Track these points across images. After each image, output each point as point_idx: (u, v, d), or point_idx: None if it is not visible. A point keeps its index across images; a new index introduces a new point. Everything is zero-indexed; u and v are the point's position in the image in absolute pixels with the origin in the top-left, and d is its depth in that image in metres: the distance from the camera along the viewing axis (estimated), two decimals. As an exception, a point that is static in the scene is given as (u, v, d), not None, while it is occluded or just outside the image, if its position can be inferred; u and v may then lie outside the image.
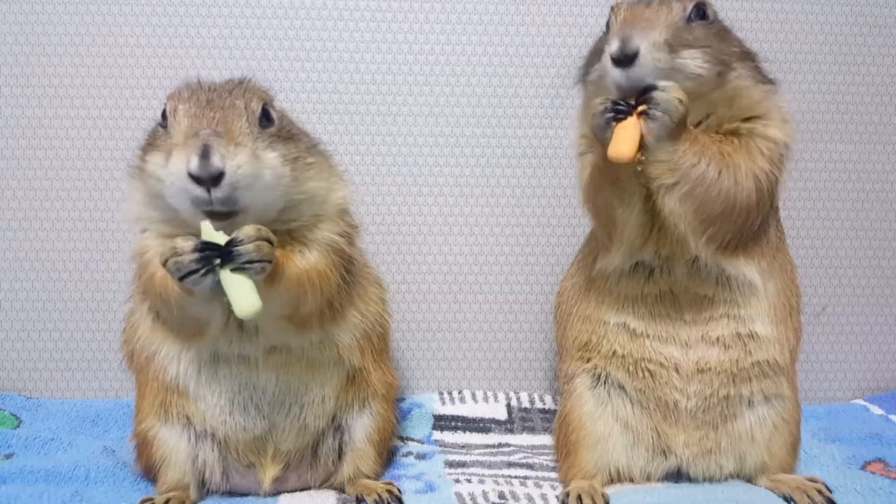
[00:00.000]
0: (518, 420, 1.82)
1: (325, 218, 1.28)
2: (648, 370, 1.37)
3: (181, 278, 1.10)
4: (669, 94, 1.14)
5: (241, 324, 1.26)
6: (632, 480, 1.41)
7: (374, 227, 1.83)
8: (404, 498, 1.38)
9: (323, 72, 1.85)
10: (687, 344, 1.36)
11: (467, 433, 1.78)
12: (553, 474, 1.51)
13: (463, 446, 1.72)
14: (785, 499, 1.34)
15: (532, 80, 1.88)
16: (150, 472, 1.40)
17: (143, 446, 1.38)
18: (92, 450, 1.55)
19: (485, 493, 1.39)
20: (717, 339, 1.35)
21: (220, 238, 1.11)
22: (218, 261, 1.10)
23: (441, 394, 1.89)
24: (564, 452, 1.43)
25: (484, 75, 1.88)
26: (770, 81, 1.32)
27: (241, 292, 1.09)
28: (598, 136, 1.22)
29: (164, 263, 1.11)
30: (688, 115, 1.19)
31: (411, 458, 1.62)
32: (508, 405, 1.87)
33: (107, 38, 1.80)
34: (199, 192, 1.08)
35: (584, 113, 1.37)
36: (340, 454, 1.42)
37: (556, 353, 1.68)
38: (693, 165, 1.20)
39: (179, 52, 1.82)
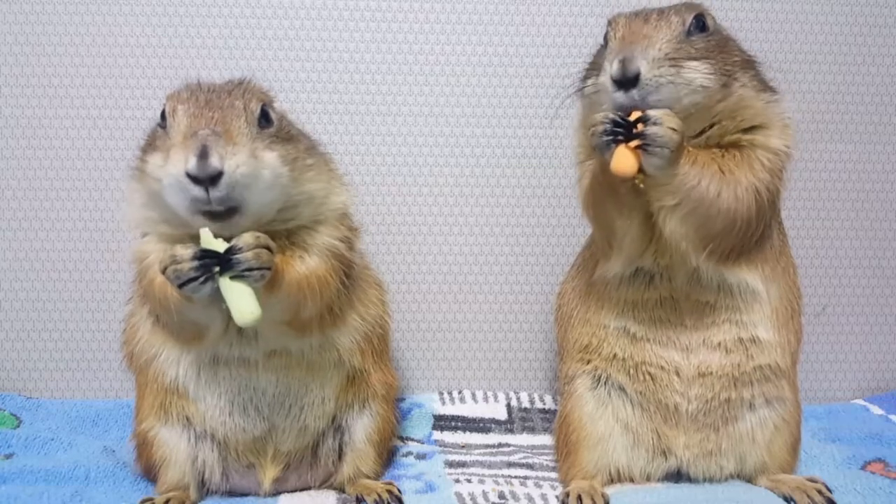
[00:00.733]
0: (518, 420, 1.82)
1: (324, 222, 1.28)
2: (649, 373, 1.37)
3: (180, 286, 1.10)
4: (663, 126, 1.13)
5: (240, 328, 1.26)
6: (632, 481, 1.41)
7: (374, 227, 1.83)
8: (404, 498, 1.38)
9: (323, 72, 1.85)
10: (688, 348, 1.35)
11: (467, 433, 1.78)
12: (553, 474, 1.51)
13: (463, 446, 1.72)
14: (785, 499, 1.34)
15: (532, 80, 1.88)
16: (150, 473, 1.40)
17: (143, 446, 1.38)
18: (92, 450, 1.55)
19: (485, 493, 1.39)
20: (719, 344, 1.34)
21: (220, 245, 1.11)
22: (217, 268, 1.10)
23: (441, 394, 1.89)
24: (565, 452, 1.43)
25: (484, 75, 1.88)
26: (771, 89, 1.31)
27: (241, 300, 1.09)
28: (598, 154, 1.21)
29: (164, 271, 1.11)
30: (684, 138, 1.17)
31: (411, 458, 1.62)
32: (508, 405, 1.87)
33: (107, 38, 1.80)
34: (197, 191, 1.08)
35: (582, 124, 1.36)
36: (340, 454, 1.42)
37: (556, 354, 1.68)
38: (693, 187, 1.19)
39: (179, 52, 1.82)
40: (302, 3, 1.83)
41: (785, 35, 1.92)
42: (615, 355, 1.40)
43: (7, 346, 1.85)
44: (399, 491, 1.39)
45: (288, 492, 1.41)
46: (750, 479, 1.41)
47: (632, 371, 1.39)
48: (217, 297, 1.11)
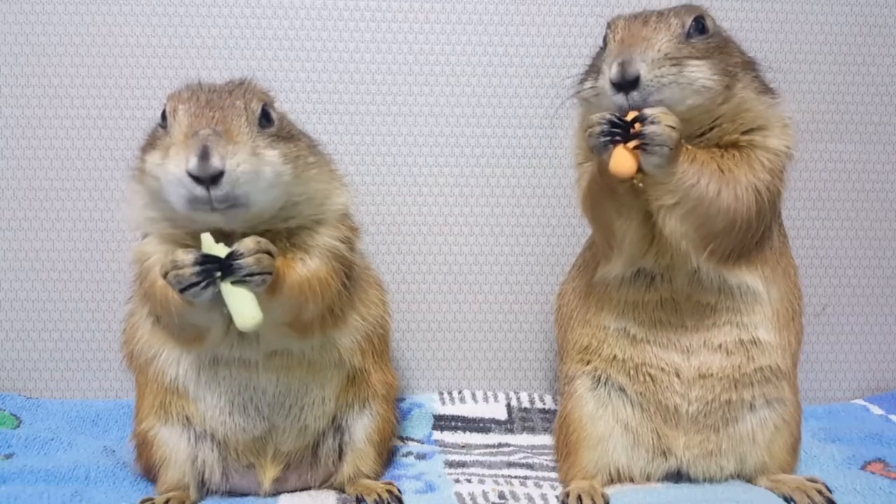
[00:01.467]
0: (518, 420, 1.82)
1: (325, 222, 1.28)
2: (649, 374, 1.37)
3: (182, 290, 1.11)
4: (661, 125, 1.13)
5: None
6: (632, 481, 1.41)
7: (375, 227, 1.83)
8: (404, 498, 1.38)
9: (323, 72, 1.85)
10: (688, 350, 1.35)
11: (467, 433, 1.78)
12: (553, 474, 1.51)
13: (463, 446, 1.72)
14: (785, 499, 1.34)
15: (532, 80, 1.88)
16: (150, 472, 1.40)
17: (143, 446, 1.38)
18: (92, 450, 1.55)
19: (485, 493, 1.39)
20: (720, 345, 1.34)
21: (221, 250, 1.12)
22: (218, 273, 1.10)
23: (441, 394, 1.89)
24: (565, 453, 1.43)
25: (484, 75, 1.88)
26: (772, 91, 1.31)
27: (242, 305, 1.10)
28: (596, 155, 1.21)
29: (165, 276, 1.11)
30: (682, 137, 1.17)
31: (411, 458, 1.62)
32: (508, 405, 1.87)
33: (107, 38, 1.80)
34: (198, 191, 1.08)
35: (581, 127, 1.35)
36: (340, 454, 1.42)
37: (556, 354, 1.68)
38: (693, 185, 1.19)
39: (179, 52, 1.82)
40: (302, 3, 1.83)
41: (785, 35, 1.92)
42: (615, 356, 1.40)
43: (7, 346, 1.85)
44: (399, 491, 1.39)
45: (288, 492, 1.41)
46: (750, 480, 1.41)
47: (632, 372, 1.39)
48: (218, 301, 1.12)
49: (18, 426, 1.68)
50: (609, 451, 1.39)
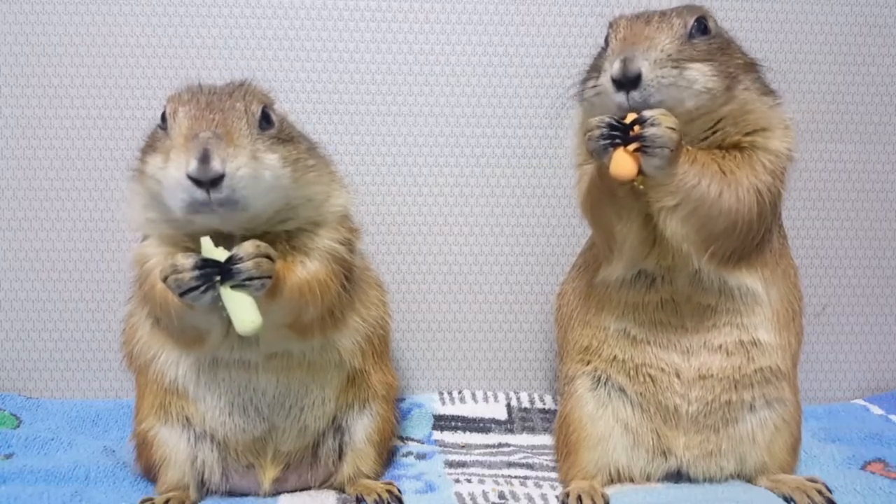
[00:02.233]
0: (518, 420, 1.82)
1: (324, 224, 1.28)
2: (649, 375, 1.37)
3: (181, 295, 1.11)
4: (661, 126, 1.12)
5: None
6: (632, 481, 1.41)
7: (375, 227, 1.83)
8: (404, 498, 1.38)
9: (323, 72, 1.85)
10: (688, 351, 1.35)
11: (467, 433, 1.78)
12: (553, 474, 1.51)
13: (463, 446, 1.72)
14: (785, 499, 1.34)
15: (532, 80, 1.88)
16: (149, 472, 1.40)
17: (143, 446, 1.38)
18: (92, 450, 1.55)
19: (485, 493, 1.39)
20: (720, 346, 1.34)
21: (221, 254, 1.12)
22: (218, 277, 1.10)
23: (441, 394, 1.89)
24: (565, 453, 1.43)
25: (484, 75, 1.88)
26: (773, 92, 1.31)
27: (242, 309, 1.10)
28: (596, 158, 1.20)
29: (165, 280, 1.11)
30: (682, 139, 1.16)
31: (411, 458, 1.62)
32: (508, 405, 1.87)
33: (107, 38, 1.80)
34: (198, 194, 1.08)
35: (580, 127, 1.35)
36: (341, 454, 1.42)
37: (556, 354, 1.68)
38: (694, 187, 1.19)
39: (179, 52, 1.82)
40: (302, 3, 1.83)
41: (785, 35, 1.92)
42: (615, 357, 1.40)
43: (7, 346, 1.85)
44: (399, 491, 1.39)
45: (288, 492, 1.41)
46: (750, 480, 1.41)
47: (632, 373, 1.39)
48: (218, 304, 1.12)
49: (18, 426, 1.68)
50: (609, 452, 1.39)
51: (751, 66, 1.29)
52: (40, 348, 1.86)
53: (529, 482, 1.47)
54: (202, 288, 1.10)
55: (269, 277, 1.13)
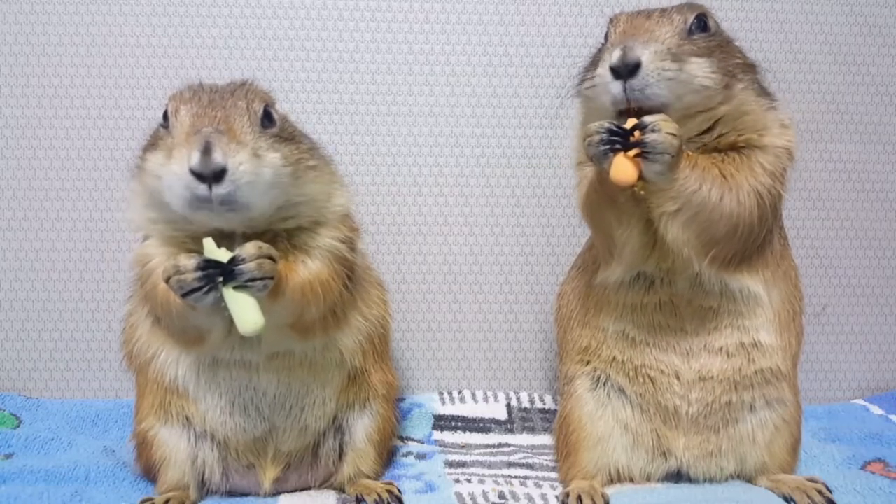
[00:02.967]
0: (518, 420, 1.82)
1: (325, 223, 1.28)
2: (649, 376, 1.37)
3: (183, 296, 1.11)
4: (662, 132, 1.12)
5: None
6: (632, 481, 1.41)
7: (375, 227, 1.83)
8: (404, 498, 1.38)
9: (323, 72, 1.85)
10: (688, 353, 1.35)
11: (467, 433, 1.78)
12: (553, 474, 1.51)
13: (463, 446, 1.72)
14: (785, 499, 1.34)
15: (532, 80, 1.88)
16: (149, 472, 1.40)
17: (143, 446, 1.38)
18: (92, 450, 1.55)
19: (485, 493, 1.39)
20: (721, 348, 1.34)
21: (223, 255, 1.12)
22: (220, 278, 1.10)
23: (441, 394, 1.89)
24: (565, 453, 1.43)
25: (484, 75, 1.88)
26: (770, 95, 1.31)
27: (244, 310, 1.10)
28: (596, 164, 1.20)
29: (167, 280, 1.11)
30: (683, 144, 1.16)
31: (411, 458, 1.62)
32: (508, 405, 1.87)
33: (107, 38, 1.80)
34: (200, 189, 1.08)
35: (580, 127, 1.35)
36: (341, 454, 1.42)
37: (556, 354, 1.68)
38: (695, 192, 1.18)
39: (179, 52, 1.82)
40: (302, 3, 1.83)
41: (785, 35, 1.92)
42: (614, 358, 1.40)
43: (7, 346, 1.85)
44: (399, 491, 1.39)
45: (288, 492, 1.41)
46: (750, 480, 1.41)
47: (631, 374, 1.39)
48: (220, 305, 1.12)
49: (18, 426, 1.68)
50: (609, 452, 1.39)
51: (750, 67, 1.29)
52: (40, 348, 1.86)
53: (529, 482, 1.47)
54: (205, 289, 1.10)
55: (272, 278, 1.13)
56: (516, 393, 1.91)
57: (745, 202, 1.22)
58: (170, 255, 1.18)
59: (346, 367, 1.39)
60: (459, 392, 1.91)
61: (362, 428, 1.43)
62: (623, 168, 1.14)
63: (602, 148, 1.15)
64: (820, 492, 1.33)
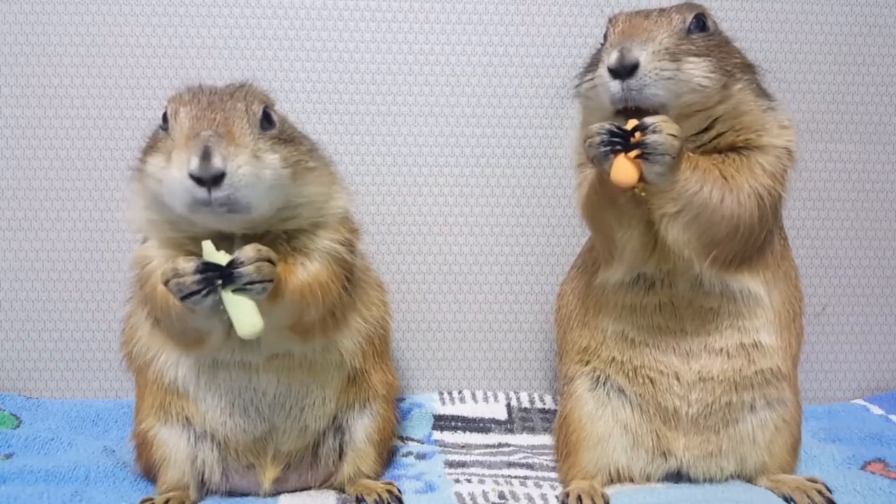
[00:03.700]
0: (518, 420, 1.82)
1: (325, 225, 1.28)
2: (648, 377, 1.37)
3: (182, 298, 1.11)
4: (663, 133, 1.12)
5: None
6: (632, 481, 1.41)
7: (375, 227, 1.83)
8: (404, 498, 1.38)
9: (323, 72, 1.85)
10: (688, 353, 1.35)
11: (467, 433, 1.78)
12: (553, 474, 1.51)
13: (463, 446, 1.72)
14: (785, 499, 1.34)
15: (532, 80, 1.88)
16: (149, 472, 1.40)
17: (143, 446, 1.38)
18: (92, 450, 1.55)
19: (485, 493, 1.39)
20: (721, 349, 1.34)
21: (222, 258, 1.12)
22: (219, 281, 1.10)
23: (441, 394, 1.89)
24: (565, 453, 1.43)
25: (484, 75, 1.88)
26: (769, 95, 1.31)
27: (243, 313, 1.10)
28: (596, 165, 1.20)
29: (166, 283, 1.11)
30: (683, 143, 1.16)
31: (411, 458, 1.62)
32: (508, 405, 1.87)
33: (107, 38, 1.80)
34: (200, 192, 1.08)
35: (581, 128, 1.35)
36: (341, 454, 1.42)
37: (555, 354, 1.68)
38: (695, 193, 1.18)
39: (179, 52, 1.82)
40: (302, 3, 1.83)
41: (785, 35, 1.92)
42: (614, 358, 1.40)
43: (7, 346, 1.85)
44: (399, 491, 1.39)
45: (288, 492, 1.41)
46: (750, 480, 1.41)
47: (631, 374, 1.39)
48: (219, 308, 1.12)
49: (18, 426, 1.68)
50: (609, 452, 1.39)
51: (748, 67, 1.29)
52: (40, 348, 1.86)
53: (529, 482, 1.47)
54: (203, 292, 1.10)
55: (271, 281, 1.13)
56: (516, 393, 1.91)
57: (745, 203, 1.22)
58: (169, 257, 1.18)
59: (346, 368, 1.39)
60: (459, 392, 1.91)
61: (362, 428, 1.43)
62: (624, 169, 1.14)
63: (602, 149, 1.15)
64: (820, 492, 1.33)
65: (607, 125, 1.15)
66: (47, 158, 1.82)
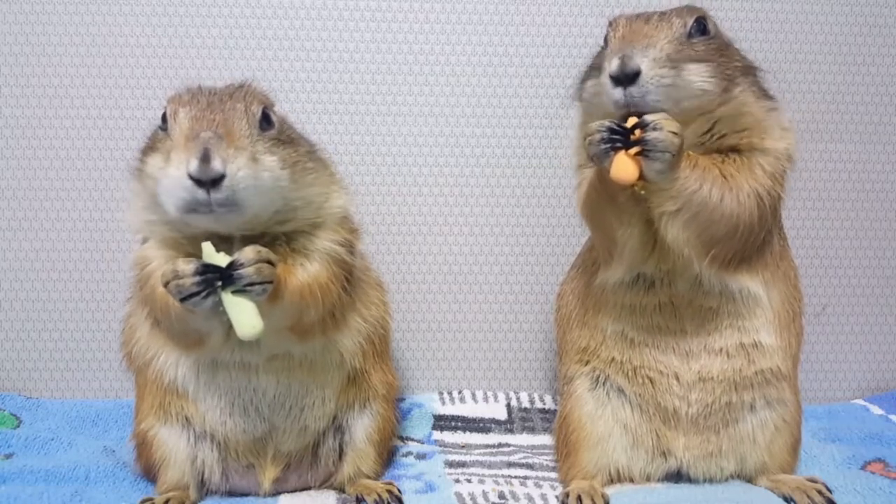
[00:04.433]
0: (518, 420, 1.82)
1: (324, 226, 1.28)
2: (648, 377, 1.37)
3: (182, 300, 1.11)
4: (663, 131, 1.12)
5: None
6: (632, 481, 1.41)
7: (375, 227, 1.83)
8: (404, 498, 1.38)
9: (323, 72, 1.85)
10: (688, 354, 1.35)
11: (467, 433, 1.78)
12: (553, 474, 1.51)
13: (463, 446, 1.72)
14: (785, 499, 1.34)
15: (532, 80, 1.88)
16: (149, 472, 1.40)
17: (143, 446, 1.38)
18: (92, 450, 1.55)
19: (485, 493, 1.39)
20: (721, 349, 1.34)
21: (222, 260, 1.12)
22: (219, 283, 1.10)
23: (441, 394, 1.89)
24: (565, 453, 1.43)
25: (484, 75, 1.88)
26: (770, 97, 1.31)
27: (243, 314, 1.10)
28: (596, 163, 1.20)
29: (166, 285, 1.11)
30: (684, 142, 1.16)
31: (411, 458, 1.62)
32: (508, 405, 1.87)
33: (107, 38, 1.80)
34: (199, 194, 1.08)
35: (580, 129, 1.35)
36: (341, 454, 1.42)
37: (555, 354, 1.68)
38: (695, 192, 1.18)
39: (179, 52, 1.82)
40: (302, 3, 1.83)
41: (785, 35, 1.92)
42: (613, 358, 1.40)
43: (7, 346, 1.85)
44: (399, 491, 1.39)
45: (288, 492, 1.41)
46: (750, 480, 1.41)
47: (630, 374, 1.39)
48: (219, 309, 1.12)
49: (18, 426, 1.68)
50: (609, 452, 1.39)
51: (749, 70, 1.29)
52: (40, 348, 1.86)
53: (529, 482, 1.47)
54: (203, 294, 1.10)
55: (270, 282, 1.13)
56: (516, 393, 1.91)
57: (744, 203, 1.22)
58: (169, 258, 1.18)
59: (346, 368, 1.39)
60: (459, 392, 1.91)
61: (362, 428, 1.43)
62: (624, 166, 1.14)
63: (603, 146, 1.15)
64: (820, 492, 1.33)
65: (608, 122, 1.15)
66: (47, 158, 1.82)
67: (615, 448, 1.39)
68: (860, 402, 1.95)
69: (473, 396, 1.89)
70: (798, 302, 1.41)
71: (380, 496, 1.35)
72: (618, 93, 1.15)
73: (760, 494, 1.36)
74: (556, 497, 1.40)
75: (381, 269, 1.69)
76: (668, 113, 1.15)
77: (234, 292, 1.11)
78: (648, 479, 1.42)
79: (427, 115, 1.88)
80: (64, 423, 1.70)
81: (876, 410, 1.88)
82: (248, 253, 1.12)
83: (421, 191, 1.90)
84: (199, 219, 1.13)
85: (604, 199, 1.27)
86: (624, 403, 1.40)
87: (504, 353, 1.95)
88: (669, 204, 1.20)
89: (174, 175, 1.09)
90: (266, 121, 1.21)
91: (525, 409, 1.86)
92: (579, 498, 1.33)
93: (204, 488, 1.38)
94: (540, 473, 1.53)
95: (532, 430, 1.79)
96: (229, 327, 1.13)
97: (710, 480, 1.40)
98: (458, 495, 1.39)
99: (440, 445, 1.72)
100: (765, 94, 1.30)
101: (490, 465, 1.57)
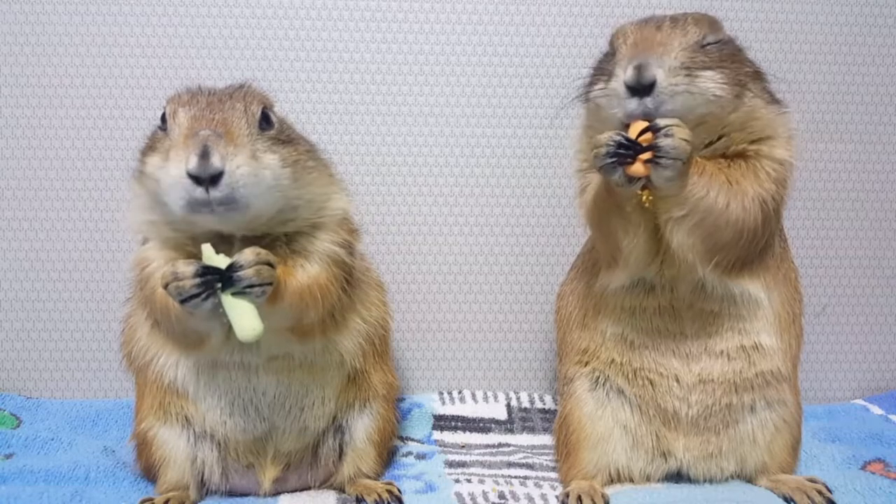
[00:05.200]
0: (518, 420, 1.82)
1: (324, 227, 1.28)
2: (648, 379, 1.37)
3: (182, 302, 1.11)
4: (675, 137, 1.11)
5: None
6: (632, 481, 1.41)
7: (375, 227, 1.83)
8: (404, 498, 1.38)
9: (323, 72, 1.85)
10: (688, 356, 1.35)
11: (467, 433, 1.78)
12: (553, 474, 1.51)
13: (463, 446, 1.72)
14: (785, 499, 1.34)
15: (532, 80, 1.88)
16: (149, 472, 1.40)
17: (143, 446, 1.38)
18: (92, 450, 1.55)
19: (485, 493, 1.39)
20: (721, 351, 1.34)
21: (222, 261, 1.12)
22: (219, 285, 1.10)
23: (441, 394, 1.89)
24: (565, 453, 1.43)
25: (484, 75, 1.88)
26: (778, 102, 1.30)
27: (243, 316, 1.10)
28: (603, 175, 1.19)
29: (166, 287, 1.11)
30: (693, 149, 1.16)
31: (411, 458, 1.62)
32: (508, 405, 1.87)
33: (107, 38, 1.80)
34: (198, 192, 1.08)
35: (584, 132, 1.34)
36: (341, 454, 1.42)
37: (555, 354, 1.68)
38: (702, 198, 1.18)
39: (179, 52, 1.82)
40: (302, 3, 1.83)
41: (785, 35, 1.92)
42: (613, 360, 1.40)
43: (7, 346, 1.85)
44: (399, 491, 1.39)
45: (288, 492, 1.41)
46: (750, 480, 1.41)
47: (630, 376, 1.39)
48: (219, 311, 1.12)
49: (18, 426, 1.68)
50: (609, 452, 1.39)
51: (758, 75, 1.28)
52: (40, 348, 1.86)
53: (529, 482, 1.47)
54: (203, 295, 1.10)
55: (270, 284, 1.13)
56: (516, 393, 1.91)
57: (749, 208, 1.21)
58: (169, 259, 1.18)
59: (346, 368, 1.39)
60: (459, 392, 1.91)
61: (362, 428, 1.43)
62: (634, 167, 1.14)
63: (610, 160, 1.14)
64: (820, 492, 1.33)
65: (616, 136, 1.14)
66: (47, 158, 1.82)
67: (615, 448, 1.39)
68: (860, 402, 1.95)
69: (473, 396, 1.89)
70: (798, 303, 1.41)
71: (380, 496, 1.35)
72: (633, 103, 1.15)
73: (760, 495, 1.36)
74: (556, 497, 1.40)
75: (381, 269, 1.69)
76: (681, 119, 1.15)
77: (233, 294, 1.11)
78: (648, 479, 1.42)
79: (427, 115, 1.88)
80: (64, 423, 1.70)
81: (876, 410, 1.88)
82: (248, 255, 1.12)
83: (421, 191, 1.90)
84: (201, 218, 1.13)
85: (610, 209, 1.27)
86: (624, 404, 1.40)
87: (504, 353, 1.95)
88: (676, 210, 1.20)
89: (173, 173, 1.09)
90: (266, 120, 1.21)
91: (525, 410, 1.86)
92: (579, 498, 1.33)
93: (204, 488, 1.38)
94: (540, 473, 1.53)
95: (532, 431, 1.79)
96: (229, 328, 1.13)
97: (711, 481, 1.40)
98: (458, 495, 1.39)
99: (440, 445, 1.72)
100: (773, 99, 1.30)
101: (490, 465, 1.57)
